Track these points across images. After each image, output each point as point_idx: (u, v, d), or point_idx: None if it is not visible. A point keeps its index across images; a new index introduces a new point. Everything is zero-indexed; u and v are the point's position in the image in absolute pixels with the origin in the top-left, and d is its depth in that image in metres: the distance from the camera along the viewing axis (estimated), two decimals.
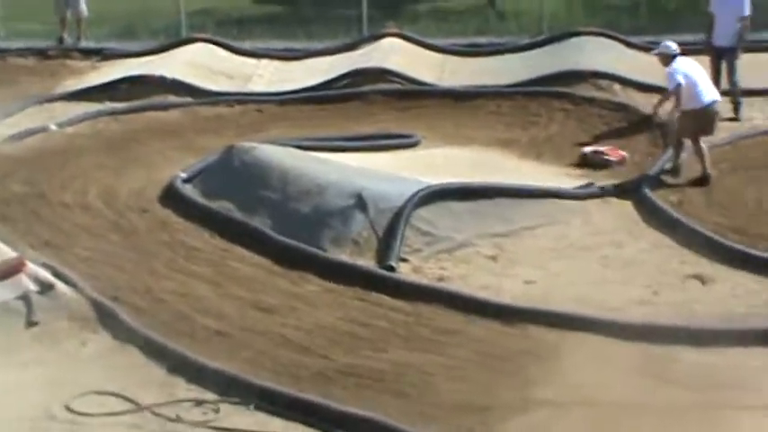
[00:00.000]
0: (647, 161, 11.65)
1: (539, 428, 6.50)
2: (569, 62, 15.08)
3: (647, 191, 10.53)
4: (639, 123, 12.92)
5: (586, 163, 11.79)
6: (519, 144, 12.74)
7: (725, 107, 13.33)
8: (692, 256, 9.23)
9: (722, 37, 13.38)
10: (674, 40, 14.17)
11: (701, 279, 8.75)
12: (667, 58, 11.07)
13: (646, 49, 16.22)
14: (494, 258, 9.31)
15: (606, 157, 11.80)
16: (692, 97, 10.90)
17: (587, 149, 12.04)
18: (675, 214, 10.00)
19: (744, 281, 8.69)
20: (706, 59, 13.12)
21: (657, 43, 16.48)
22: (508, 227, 9.75)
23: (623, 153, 11.92)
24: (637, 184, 10.74)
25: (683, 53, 13.29)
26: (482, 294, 8.44)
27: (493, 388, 6.97)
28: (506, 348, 7.56)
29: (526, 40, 17.27)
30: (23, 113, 14.44)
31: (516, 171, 11.33)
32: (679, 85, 10.79)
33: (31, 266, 8.29)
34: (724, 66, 13.40)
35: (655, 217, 10.07)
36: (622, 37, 16.61)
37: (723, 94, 13.31)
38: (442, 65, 16.32)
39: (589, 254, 9.35)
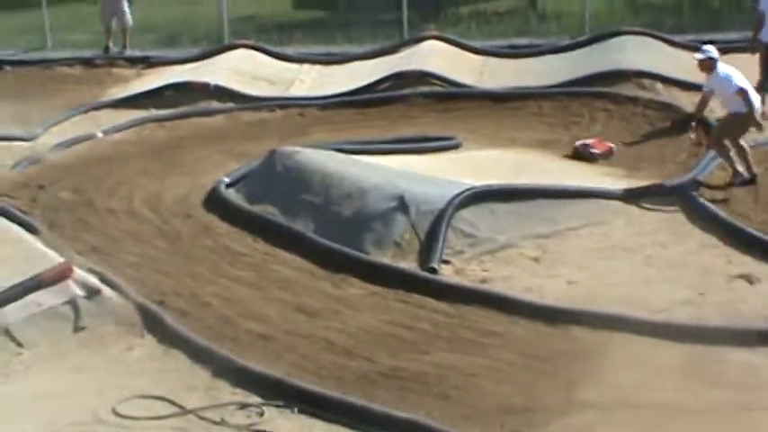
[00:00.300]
0: (692, 160, 11.56)
1: (583, 430, 6.46)
2: (611, 62, 15.00)
3: (693, 190, 10.44)
4: (683, 122, 12.81)
5: (577, 156, 12.11)
6: (561, 144, 12.69)
7: None
8: (738, 255, 9.13)
9: None
10: (717, 39, 14.14)
11: (748, 279, 8.65)
12: (710, 64, 10.86)
13: (689, 47, 16.14)
14: (536, 259, 9.28)
15: (592, 150, 12.05)
16: (741, 101, 10.73)
17: (578, 143, 12.27)
18: (721, 213, 9.90)
19: None
20: (747, 57, 13.01)
21: (700, 41, 16.49)
22: (551, 228, 9.72)
23: (610, 145, 12.19)
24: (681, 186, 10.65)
25: (727, 51, 13.24)
26: (525, 296, 8.42)
27: (536, 390, 6.95)
28: (550, 350, 7.53)
29: (567, 41, 17.21)
30: (70, 122, 14.63)
31: (558, 172, 11.29)
32: (741, 89, 10.68)
33: (78, 272, 8.38)
34: None
35: (700, 216, 9.97)
36: (665, 36, 16.51)
37: None
38: (482, 67, 16.30)
39: (633, 254, 9.29)
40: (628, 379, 6.95)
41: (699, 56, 10.96)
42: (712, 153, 11.31)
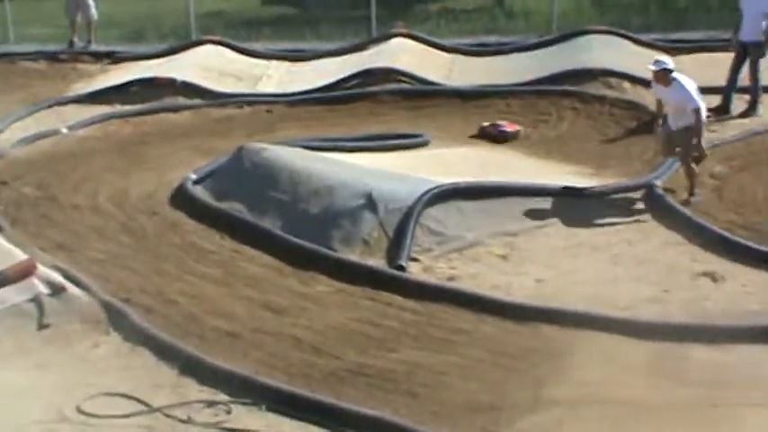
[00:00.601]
0: (658, 158, 11.62)
1: (550, 427, 6.48)
2: (579, 60, 15.07)
3: (658, 189, 10.49)
4: (650, 121, 12.89)
5: (484, 135, 12.80)
6: (528, 142, 12.73)
7: (738, 103, 13.39)
8: (702, 253, 9.20)
9: (748, 33, 13.35)
10: (683, 38, 14.23)
11: (713, 277, 8.71)
12: (666, 76, 10.28)
13: (655, 46, 16.30)
14: (504, 257, 9.30)
15: (502, 129, 12.77)
16: (694, 116, 10.31)
17: (485, 123, 12.91)
18: (686, 211, 9.96)
19: (755, 278, 8.66)
20: (708, 57, 13.12)
21: (667, 40, 16.68)
22: (519, 226, 9.74)
23: (518, 127, 12.91)
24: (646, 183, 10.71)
25: (693, 50, 13.38)
26: (493, 293, 8.43)
27: (504, 387, 6.96)
28: (518, 347, 7.55)
29: (535, 39, 17.27)
30: (34, 117, 14.49)
31: (526, 170, 11.31)
32: (698, 109, 10.25)
33: (42, 269, 8.31)
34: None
35: (666, 214, 10.03)
36: (632, 35, 16.60)
37: (741, 90, 13.35)
38: (450, 64, 16.33)
39: (600, 252, 9.34)
40: (595, 376, 6.97)
41: (653, 67, 10.40)
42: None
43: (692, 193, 10.38)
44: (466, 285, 8.65)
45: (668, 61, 10.42)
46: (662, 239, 9.60)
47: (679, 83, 10.24)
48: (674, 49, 16.37)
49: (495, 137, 12.77)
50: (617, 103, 13.67)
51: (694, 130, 10.26)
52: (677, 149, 10.51)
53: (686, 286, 8.58)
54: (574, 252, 9.32)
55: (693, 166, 10.43)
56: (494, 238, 9.57)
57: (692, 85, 10.31)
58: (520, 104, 14.04)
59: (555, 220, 9.89)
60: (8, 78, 16.79)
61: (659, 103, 10.71)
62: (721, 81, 13.82)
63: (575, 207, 10.14)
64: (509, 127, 12.89)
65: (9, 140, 13.23)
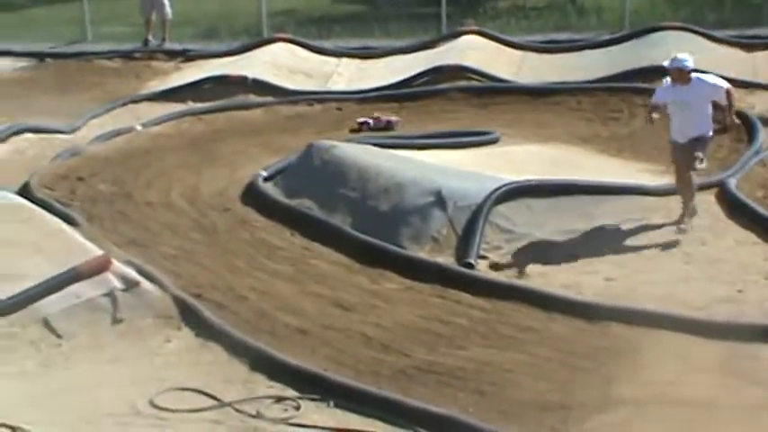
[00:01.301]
0: (732, 156, 11.46)
1: (619, 427, 6.43)
2: (651, 57, 14.86)
3: (732, 187, 10.34)
4: (722, 118, 12.71)
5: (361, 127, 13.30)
6: (599, 140, 12.62)
7: None
8: None
9: None
10: (759, 34, 13.97)
11: None
12: (685, 75, 9.46)
13: (729, 42, 16.05)
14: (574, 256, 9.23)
15: (385, 119, 13.34)
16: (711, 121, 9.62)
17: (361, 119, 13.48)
18: (760, 209, 9.80)
19: None
20: None
21: (742, 37, 16.40)
22: (589, 223, 9.66)
23: (391, 118, 13.47)
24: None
25: None
26: (563, 292, 8.38)
27: (573, 386, 6.92)
28: (587, 346, 7.50)
29: (607, 36, 17.10)
30: (110, 114, 14.73)
31: (596, 167, 11.22)
32: (729, 89, 9.51)
33: (116, 264, 8.44)
34: None
35: (739, 213, 9.88)
36: (705, 31, 16.36)
37: None
38: (520, 61, 16.25)
39: (672, 251, 9.22)
40: (665, 376, 6.91)
41: (671, 65, 9.56)
42: (753, 149, 11.20)
43: (684, 216, 9.59)
44: (535, 283, 8.60)
45: (689, 59, 9.57)
46: (735, 238, 9.45)
47: (699, 78, 9.56)
48: (750, 45, 16.14)
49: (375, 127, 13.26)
50: None
51: (728, 105, 9.45)
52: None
53: (760, 285, 8.45)
54: (644, 251, 9.22)
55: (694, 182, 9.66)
56: (562, 235, 9.51)
57: (708, 76, 9.77)
58: (591, 102, 13.93)
59: (625, 218, 9.77)
60: (84, 76, 17.09)
61: (656, 109, 9.68)
62: None
63: (645, 205, 10.02)
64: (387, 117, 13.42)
65: (86, 137, 13.48)
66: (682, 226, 9.52)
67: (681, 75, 9.48)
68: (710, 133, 9.66)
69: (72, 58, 18.34)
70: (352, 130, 13.33)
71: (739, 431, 6.32)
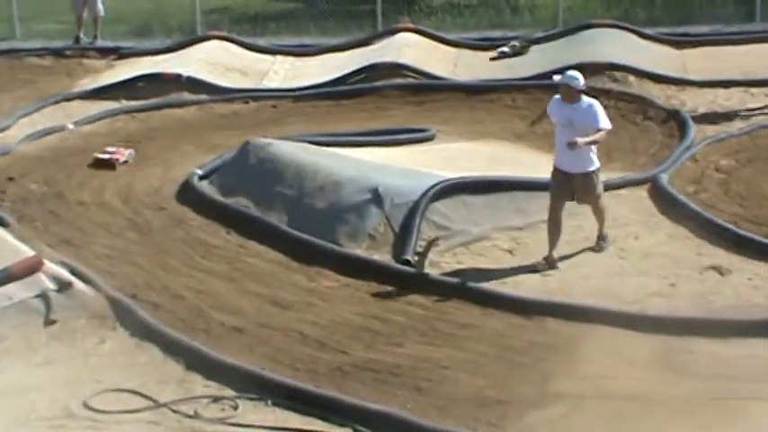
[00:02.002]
0: (664, 152, 11.62)
1: (556, 422, 6.49)
2: (584, 54, 15.01)
3: (664, 182, 10.48)
4: (655, 115, 12.90)
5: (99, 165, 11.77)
6: (534, 137, 12.68)
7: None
8: (709, 247, 9.19)
9: None
10: (689, 31, 14.11)
11: (719, 270, 8.71)
12: (573, 94, 8.80)
13: (660, 40, 16.27)
14: (511, 251, 9.30)
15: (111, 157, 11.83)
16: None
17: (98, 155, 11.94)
18: (692, 205, 9.95)
19: (762, 272, 8.65)
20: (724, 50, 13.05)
21: (673, 34, 16.64)
22: (525, 220, 9.73)
23: (123, 153, 11.99)
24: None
25: (699, 44, 13.29)
26: (499, 288, 8.43)
27: (511, 382, 6.98)
28: (524, 342, 7.57)
29: (540, 34, 17.24)
30: (40, 113, 14.49)
31: (532, 164, 11.29)
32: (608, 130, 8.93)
33: (49, 265, 8.33)
34: None
35: (671, 208, 10.02)
36: (636, 28, 16.56)
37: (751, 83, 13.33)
38: (456, 59, 16.30)
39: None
40: (601, 370, 6.99)
41: (561, 80, 8.91)
42: (684, 145, 11.37)
43: (602, 237, 9.22)
44: (471, 280, 8.64)
45: (579, 77, 8.85)
46: (668, 233, 9.59)
47: (590, 103, 8.83)
48: (680, 42, 16.37)
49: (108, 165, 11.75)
50: (622, 96, 13.62)
51: (591, 140, 8.73)
52: (579, 196, 9.06)
53: (693, 280, 8.58)
54: (580, 246, 9.30)
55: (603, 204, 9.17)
56: (500, 232, 9.57)
57: (600, 107, 8.92)
58: (525, 99, 14.01)
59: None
60: (14, 74, 16.78)
61: (544, 116, 9.35)
62: (726, 75, 13.78)
63: None
64: (119, 155, 11.93)
65: (16, 136, 13.24)
66: (605, 243, 9.19)
67: (568, 92, 8.80)
68: (592, 167, 8.89)
69: (1, 56, 18.02)
70: (90, 166, 11.83)
71: (675, 424, 6.42)
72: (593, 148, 8.88)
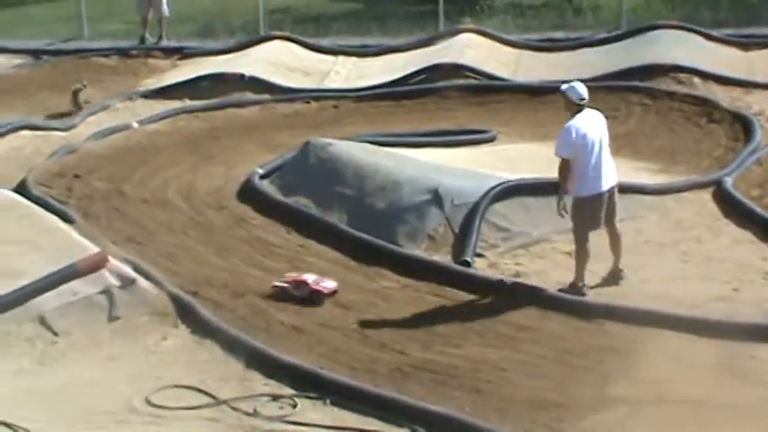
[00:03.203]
0: (728, 155, 11.47)
1: (615, 426, 6.44)
2: (648, 56, 14.89)
3: (729, 186, 10.34)
4: (720, 117, 12.74)
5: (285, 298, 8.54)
6: None
7: None
8: None
9: None
10: (756, 33, 13.83)
11: None
12: (567, 104, 8.42)
13: (726, 41, 16.05)
14: (570, 254, 9.19)
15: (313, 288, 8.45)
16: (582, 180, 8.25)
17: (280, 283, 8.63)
18: (757, 209, 9.81)
19: None
20: None
21: (739, 36, 16.40)
22: None
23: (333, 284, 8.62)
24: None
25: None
26: (558, 290, 8.38)
27: (569, 385, 6.93)
28: (583, 345, 7.51)
29: (604, 35, 17.11)
30: (106, 112, 14.71)
31: None
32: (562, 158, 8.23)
33: (112, 262, 8.44)
34: None
35: (736, 212, 9.88)
36: (702, 30, 16.35)
37: None
38: (517, 60, 16.24)
39: (668, 249, 9.24)
40: (661, 375, 6.92)
41: (562, 90, 8.49)
42: (749, 148, 11.22)
43: (574, 283, 8.35)
44: (531, 282, 8.60)
45: (575, 89, 8.41)
46: (732, 237, 9.47)
47: (568, 123, 8.31)
48: (746, 44, 16.14)
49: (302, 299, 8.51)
50: (687, 98, 13.47)
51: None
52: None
53: (756, 285, 8.46)
54: (641, 249, 9.21)
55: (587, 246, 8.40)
56: (560, 234, 9.49)
57: (577, 131, 8.23)
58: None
59: (622, 216, 9.76)
60: (81, 74, 17.03)
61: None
62: None
63: (642, 204, 10.02)
64: (321, 285, 8.52)
65: (82, 135, 13.46)
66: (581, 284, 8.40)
67: (565, 103, 8.47)
68: (576, 193, 8.30)
69: (69, 56, 18.30)
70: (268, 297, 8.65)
71: (735, 430, 6.33)
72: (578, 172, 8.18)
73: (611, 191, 8.39)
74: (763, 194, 10.35)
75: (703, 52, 15.29)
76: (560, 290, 8.35)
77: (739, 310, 7.91)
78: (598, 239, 9.10)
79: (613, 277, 8.56)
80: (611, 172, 8.39)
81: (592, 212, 8.34)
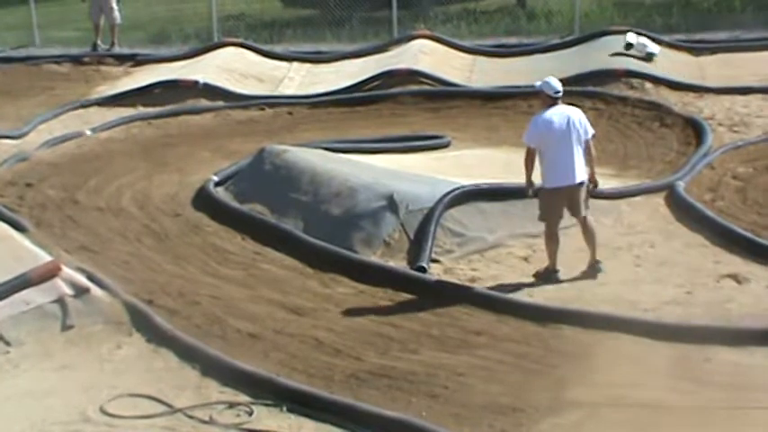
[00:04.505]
0: (681, 160, 11.59)
1: (572, 429, 6.47)
2: (601, 61, 15.02)
3: (681, 190, 10.44)
4: (672, 122, 12.87)
5: None
6: None
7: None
8: (726, 255, 9.14)
9: None
10: (706, 38, 13.91)
11: (736, 278, 8.66)
12: (546, 99, 8.55)
13: (677, 47, 16.24)
14: (526, 259, 9.28)
15: None
16: (545, 171, 8.53)
17: None
18: (709, 213, 9.91)
19: None
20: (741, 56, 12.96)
21: (690, 41, 16.61)
22: (540, 227, 9.66)
23: None
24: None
25: (716, 51, 13.13)
26: (513, 295, 8.42)
27: (525, 389, 6.95)
28: (539, 349, 7.54)
29: (557, 40, 17.24)
30: (58, 119, 14.59)
31: None
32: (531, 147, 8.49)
33: (66, 270, 8.36)
34: None
35: (688, 216, 9.99)
36: (653, 35, 16.52)
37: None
38: (471, 65, 16.32)
39: (622, 253, 9.30)
40: (617, 378, 6.96)
41: (546, 88, 8.54)
42: (701, 152, 11.34)
43: (547, 267, 8.67)
44: (486, 287, 8.63)
45: (547, 83, 8.55)
46: (685, 241, 9.55)
47: (536, 116, 8.61)
48: (697, 49, 16.35)
49: None
50: (639, 103, 13.62)
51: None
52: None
53: (709, 288, 8.54)
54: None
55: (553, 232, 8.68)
56: (515, 239, 9.56)
57: (544, 122, 8.45)
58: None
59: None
60: (33, 81, 16.91)
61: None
62: (743, 81, 13.73)
63: (596, 208, 10.08)
64: None
65: (34, 142, 13.33)
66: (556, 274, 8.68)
67: (541, 98, 8.64)
68: (540, 183, 8.60)
69: (20, 63, 18.14)
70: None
71: None
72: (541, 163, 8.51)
73: (571, 188, 8.52)
74: (715, 198, 10.46)
75: (655, 57, 15.44)
76: (534, 275, 8.66)
77: (693, 313, 7.99)
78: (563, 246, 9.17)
79: (592, 270, 8.73)
80: (579, 170, 8.55)
81: (551, 204, 8.61)
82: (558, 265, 8.76)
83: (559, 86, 8.61)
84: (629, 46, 15.34)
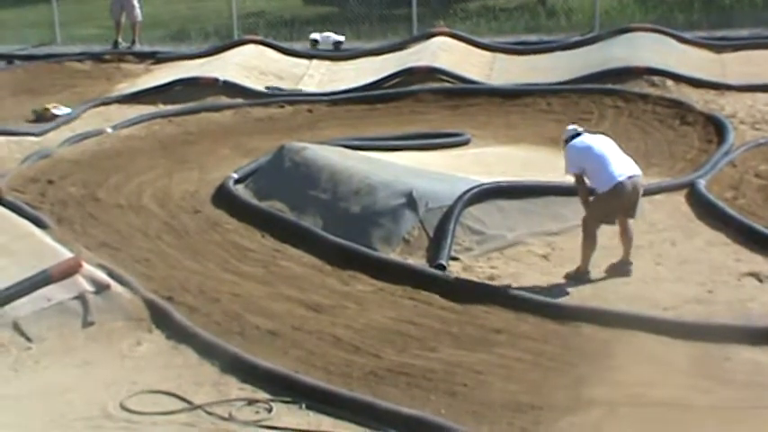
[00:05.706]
0: (702, 157, 11.54)
1: (590, 428, 6.45)
2: (621, 59, 14.97)
3: (702, 188, 10.40)
4: (693, 119, 12.82)
5: None
6: None
7: None
8: (747, 253, 9.10)
9: None
10: (728, 35, 13.90)
11: (758, 277, 8.62)
12: (569, 140, 8.86)
13: (699, 44, 16.16)
14: (546, 257, 9.26)
15: None
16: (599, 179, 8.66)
17: None
18: (731, 211, 9.87)
19: None
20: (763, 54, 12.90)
21: (712, 38, 16.54)
22: (560, 225, 9.69)
23: None
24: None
25: (738, 48, 13.07)
26: (533, 293, 8.40)
27: (544, 387, 6.94)
28: (558, 347, 7.52)
29: (577, 38, 17.19)
30: (80, 117, 14.65)
31: None
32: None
33: (86, 267, 8.39)
34: None
35: (709, 214, 9.94)
36: (675, 32, 16.47)
37: None
38: (491, 63, 16.29)
39: (643, 252, 9.24)
40: (636, 377, 6.93)
41: (565, 136, 8.94)
42: (722, 150, 11.28)
43: (579, 269, 8.74)
44: (506, 285, 8.62)
45: (569, 128, 9.00)
46: (706, 239, 9.51)
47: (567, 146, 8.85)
48: (719, 46, 16.26)
49: None
50: (660, 101, 13.56)
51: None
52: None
53: (731, 286, 8.50)
54: (616, 252, 9.23)
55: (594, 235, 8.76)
56: (534, 237, 9.54)
57: (579, 143, 8.73)
58: (561, 103, 13.98)
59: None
60: (54, 78, 17.00)
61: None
62: (765, 78, 13.65)
63: None
64: None
65: (56, 140, 13.39)
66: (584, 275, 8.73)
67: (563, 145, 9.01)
68: (597, 190, 8.74)
69: (41, 60, 18.24)
70: None
71: None
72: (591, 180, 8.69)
73: (633, 180, 8.58)
74: (737, 196, 10.41)
75: (676, 55, 15.39)
76: (566, 276, 8.69)
77: (714, 312, 7.95)
78: (570, 245, 9.15)
79: (623, 265, 8.79)
80: (630, 163, 8.70)
81: (609, 206, 8.65)
82: (579, 263, 8.74)
83: (576, 127, 8.99)
84: (314, 43, 16.53)
